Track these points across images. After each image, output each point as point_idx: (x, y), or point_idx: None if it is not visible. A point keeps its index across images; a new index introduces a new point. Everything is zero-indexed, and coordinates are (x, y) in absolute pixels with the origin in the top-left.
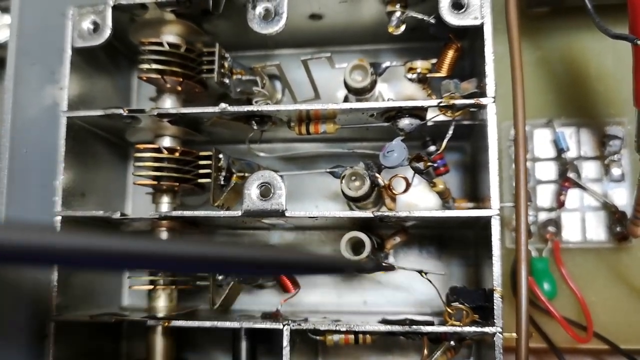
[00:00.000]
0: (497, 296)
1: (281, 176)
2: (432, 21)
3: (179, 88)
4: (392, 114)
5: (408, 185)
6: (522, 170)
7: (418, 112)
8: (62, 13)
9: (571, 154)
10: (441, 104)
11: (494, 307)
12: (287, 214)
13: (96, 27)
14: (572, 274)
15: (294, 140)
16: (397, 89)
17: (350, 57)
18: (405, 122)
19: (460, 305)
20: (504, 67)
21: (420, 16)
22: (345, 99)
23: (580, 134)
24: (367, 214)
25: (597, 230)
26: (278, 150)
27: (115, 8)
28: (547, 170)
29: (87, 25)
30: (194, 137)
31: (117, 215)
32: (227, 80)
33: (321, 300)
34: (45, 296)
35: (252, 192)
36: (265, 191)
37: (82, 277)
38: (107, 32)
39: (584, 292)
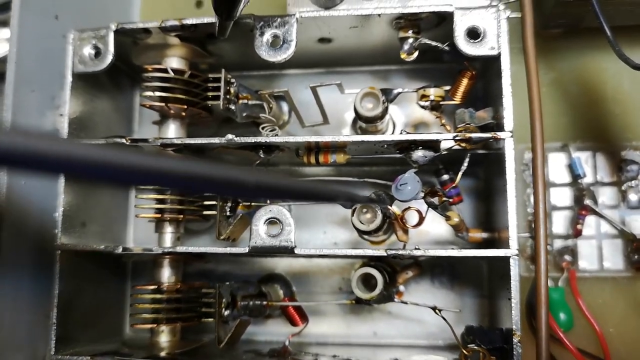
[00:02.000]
0: (516, 341)
1: (289, 205)
2: (447, 49)
3: (183, 114)
4: (405, 145)
5: (421, 219)
6: (542, 213)
7: (432, 144)
8: (62, 35)
9: (587, 179)
10: (457, 138)
11: (513, 352)
12: (297, 251)
13: (98, 52)
14: (588, 304)
15: (301, 164)
16: (407, 111)
17: (359, 78)
18: (418, 154)
19: (477, 348)
20: (518, 88)
21: (434, 44)
22: (354, 123)
23: (596, 159)
24: (381, 252)
25: (614, 259)
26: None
27: (118, 32)
28: (562, 196)
29: (88, 50)
30: None
31: (119, 250)
32: (232, 106)
33: (330, 331)
34: None
35: (259, 227)
36: (274, 226)
37: (82, 308)
38: (108, 58)
39: (601, 323)
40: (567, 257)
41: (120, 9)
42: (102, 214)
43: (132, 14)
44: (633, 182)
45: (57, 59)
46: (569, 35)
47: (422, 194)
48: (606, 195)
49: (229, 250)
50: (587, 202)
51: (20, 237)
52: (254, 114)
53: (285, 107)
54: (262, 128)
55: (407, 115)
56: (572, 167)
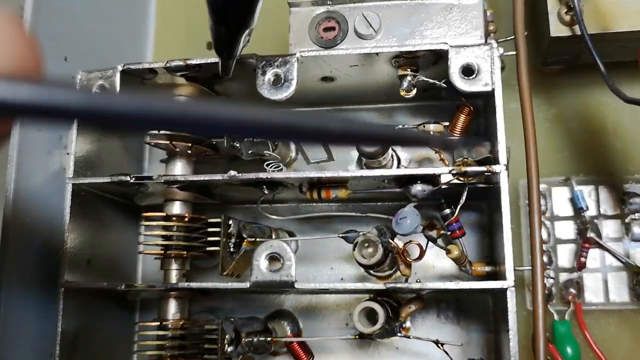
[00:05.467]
0: None
1: (296, 241)
2: (444, 85)
3: (189, 152)
4: (404, 180)
5: (422, 252)
6: (538, 241)
7: (430, 178)
8: (72, 76)
9: (590, 212)
10: (453, 172)
11: None
12: (297, 286)
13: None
14: (595, 337)
15: (307, 200)
16: (411, 149)
17: (364, 115)
18: (417, 189)
19: None
20: (519, 124)
21: (431, 81)
22: (359, 160)
23: (599, 192)
24: (379, 285)
25: (619, 292)
26: (291, 211)
27: (125, 72)
28: (566, 229)
29: (95, 90)
30: (205, 200)
31: (122, 287)
32: (237, 144)
33: None
34: None
35: (260, 263)
36: (275, 262)
37: (88, 345)
38: None
39: (609, 356)
40: (573, 290)
41: (132, 51)
42: (109, 252)
43: (145, 56)
44: (636, 214)
45: None
46: (569, 71)
47: (421, 228)
48: (610, 228)
49: (230, 285)
50: (591, 234)
51: (25, 273)
52: (260, 151)
53: (291, 144)
54: (267, 165)
55: (411, 152)
56: (574, 201)
